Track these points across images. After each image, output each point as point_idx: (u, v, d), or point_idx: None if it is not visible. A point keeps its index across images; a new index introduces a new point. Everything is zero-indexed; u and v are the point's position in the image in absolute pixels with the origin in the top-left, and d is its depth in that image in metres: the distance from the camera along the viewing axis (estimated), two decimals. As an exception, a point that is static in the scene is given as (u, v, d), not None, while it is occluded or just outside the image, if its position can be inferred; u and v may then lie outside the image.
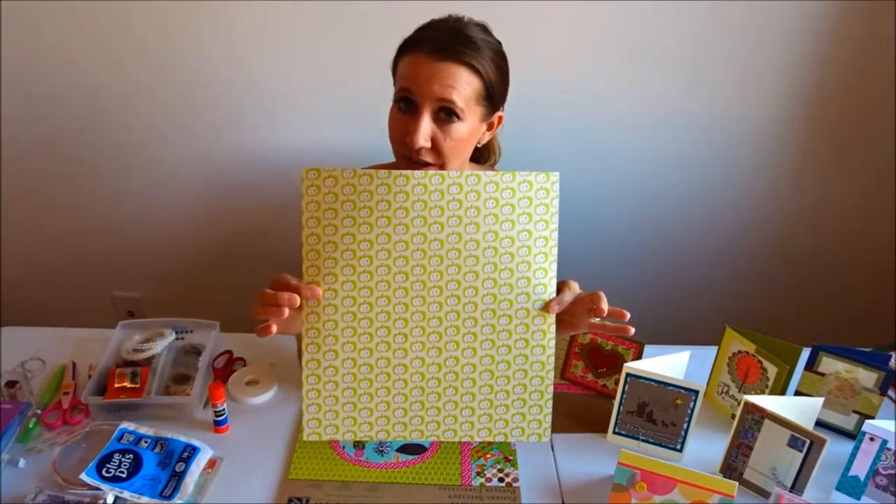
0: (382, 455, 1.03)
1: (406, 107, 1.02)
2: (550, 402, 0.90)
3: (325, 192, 0.82)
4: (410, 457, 1.03)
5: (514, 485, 1.01)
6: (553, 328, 0.85)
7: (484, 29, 1.07)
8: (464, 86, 1.00)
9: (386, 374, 0.85)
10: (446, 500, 0.97)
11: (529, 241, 0.83)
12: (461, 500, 0.97)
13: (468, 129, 1.03)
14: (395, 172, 0.85)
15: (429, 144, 1.01)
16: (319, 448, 1.04)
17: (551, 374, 0.88)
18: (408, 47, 1.03)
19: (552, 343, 0.87)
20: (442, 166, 1.04)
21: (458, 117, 1.01)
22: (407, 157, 1.03)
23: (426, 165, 1.03)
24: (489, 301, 0.84)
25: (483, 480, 1.01)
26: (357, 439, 0.91)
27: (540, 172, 0.80)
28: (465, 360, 0.86)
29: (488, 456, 1.05)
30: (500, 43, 1.09)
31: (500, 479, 1.02)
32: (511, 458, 1.06)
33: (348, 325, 0.84)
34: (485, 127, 1.11)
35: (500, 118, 1.13)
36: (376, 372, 0.85)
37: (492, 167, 1.28)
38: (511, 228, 0.83)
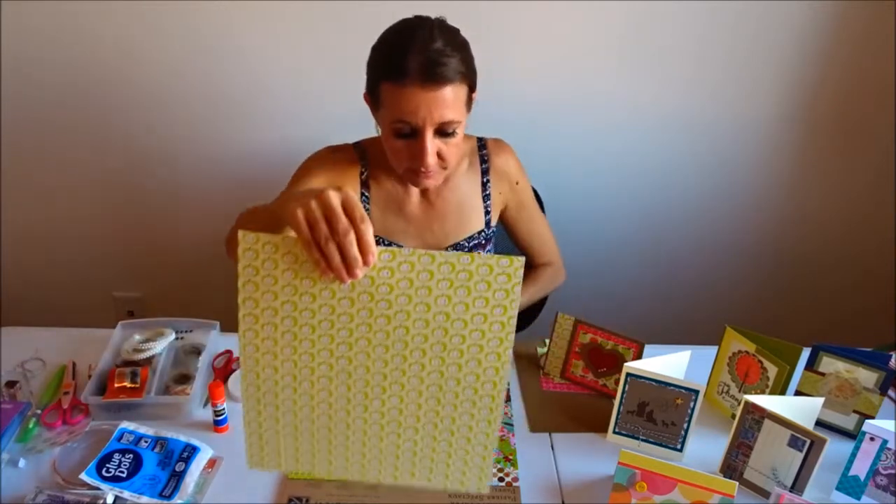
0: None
1: (405, 134, 1.06)
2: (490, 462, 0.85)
3: (265, 258, 0.74)
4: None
5: (515, 484, 1.01)
6: (499, 413, 0.81)
7: (445, 27, 1.07)
8: (456, 100, 1.05)
9: (328, 417, 0.83)
10: (446, 499, 0.97)
11: (484, 324, 0.77)
12: (461, 499, 0.98)
13: (463, 130, 1.10)
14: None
15: (436, 160, 1.08)
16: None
17: (490, 461, 0.83)
18: (391, 78, 1.03)
19: (496, 432, 0.83)
20: (446, 169, 1.12)
21: (455, 132, 1.07)
22: (413, 171, 1.10)
23: (433, 173, 1.10)
24: (435, 378, 0.79)
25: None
26: (299, 473, 0.87)
27: (503, 256, 0.73)
28: (406, 438, 0.82)
29: None
30: (458, 31, 1.09)
31: (500, 479, 1.02)
32: (511, 457, 1.06)
33: (287, 386, 0.79)
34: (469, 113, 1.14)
35: (474, 96, 1.13)
36: (318, 413, 0.83)
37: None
38: (465, 311, 0.76)
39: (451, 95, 1.03)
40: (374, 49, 1.09)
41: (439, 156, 1.09)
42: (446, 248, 1.28)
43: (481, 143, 1.29)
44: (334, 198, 0.69)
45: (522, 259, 0.73)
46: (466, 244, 1.29)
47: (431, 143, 1.06)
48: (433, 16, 1.08)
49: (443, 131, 1.06)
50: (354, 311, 0.76)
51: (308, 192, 0.71)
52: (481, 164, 1.27)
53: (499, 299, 0.76)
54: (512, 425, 1.13)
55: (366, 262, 0.69)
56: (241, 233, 0.73)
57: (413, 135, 1.06)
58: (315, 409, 0.81)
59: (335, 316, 0.77)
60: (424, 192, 1.26)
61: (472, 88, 1.10)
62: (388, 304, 0.76)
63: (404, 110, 1.03)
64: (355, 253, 0.68)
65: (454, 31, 1.08)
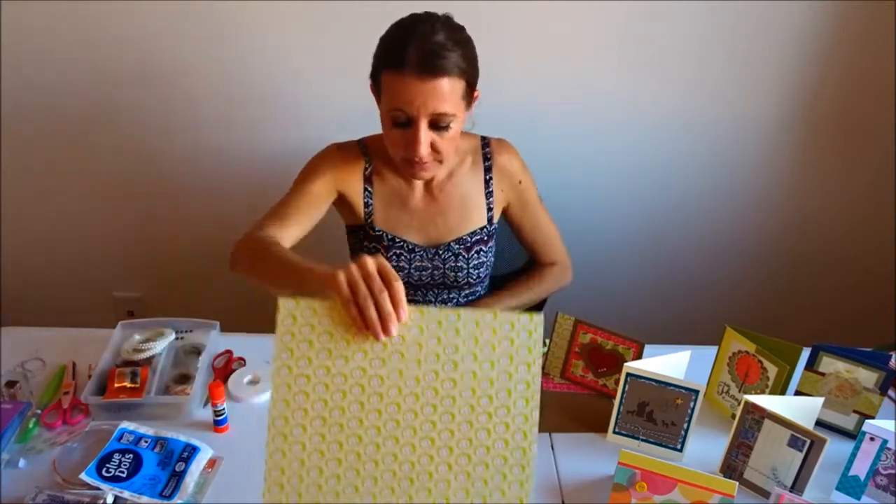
0: None
1: (402, 123, 1.09)
2: None
3: (302, 322, 0.78)
4: None
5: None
6: (531, 483, 0.81)
7: (449, 23, 1.10)
8: (452, 93, 1.07)
9: (354, 484, 0.82)
10: None
11: (510, 383, 0.78)
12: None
13: (459, 125, 1.13)
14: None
15: (429, 151, 1.11)
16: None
17: None
18: (391, 64, 1.07)
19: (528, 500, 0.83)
20: (441, 162, 1.15)
21: (449, 125, 1.10)
22: (408, 160, 1.13)
23: (427, 164, 1.13)
24: (465, 446, 0.79)
25: None
26: None
27: (524, 313, 0.76)
28: None
29: None
30: (463, 28, 1.12)
31: None
32: None
33: (315, 465, 0.79)
34: (468, 110, 1.17)
35: (477, 95, 1.17)
36: (344, 476, 0.82)
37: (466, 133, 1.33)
38: (491, 369, 0.78)
39: (447, 88, 1.06)
40: (381, 39, 1.12)
41: (433, 148, 1.11)
42: (448, 243, 1.29)
43: (485, 142, 1.31)
44: (371, 263, 0.77)
45: (542, 315, 0.75)
46: (469, 239, 1.30)
47: (425, 134, 1.09)
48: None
49: (437, 123, 1.09)
50: (385, 373, 0.78)
51: (345, 264, 0.79)
52: (484, 162, 1.30)
53: (522, 356, 0.78)
54: None
55: (399, 318, 0.75)
56: (280, 300, 0.76)
57: (408, 124, 1.09)
58: (342, 475, 0.81)
59: (366, 379, 0.78)
60: (428, 187, 1.28)
61: (471, 85, 1.12)
62: (417, 364, 0.78)
63: (400, 99, 1.06)
64: (389, 308, 0.74)
65: (458, 28, 1.10)
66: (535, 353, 0.77)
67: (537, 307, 1.62)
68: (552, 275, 1.40)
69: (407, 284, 1.29)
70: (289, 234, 1.19)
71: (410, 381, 0.78)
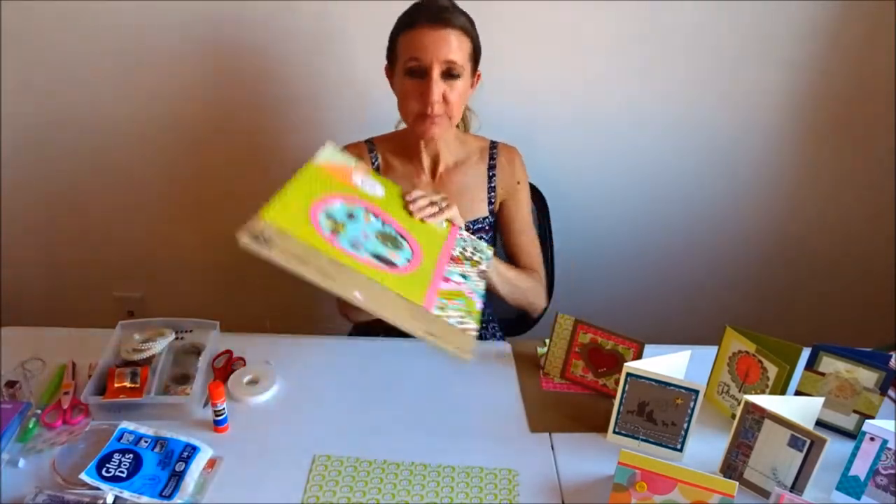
0: (357, 249, 0.97)
1: (416, 74, 1.19)
2: None
3: (329, 479, 0.99)
4: (382, 264, 0.98)
5: (471, 333, 0.98)
6: None
7: (454, 3, 1.25)
8: (461, 47, 1.20)
9: None
10: (403, 310, 0.95)
11: None
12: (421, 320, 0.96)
13: (465, 85, 1.24)
14: (389, 464, 1.03)
15: (441, 100, 1.20)
16: (300, 210, 0.98)
17: None
18: (405, 27, 1.21)
19: None
20: (450, 118, 1.24)
21: (460, 74, 1.20)
22: (421, 115, 1.22)
23: (438, 117, 1.21)
24: None
25: (442, 313, 0.97)
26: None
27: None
28: None
29: (455, 301, 1.02)
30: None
31: (459, 322, 0.99)
32: (474, 313, 1.03)
33: None
34: (473, 82, 1.29)
35: (479, 75, 1.30)
36: None
37: (467, 131, 1.47)
38: None
39: (455, 41, 1.19)
40: (396, 21, 1.24)
41: (444, 99, 1.20)
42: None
43: (493, 145, 1.41)
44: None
45: None
46: (471, 227, 1.37)
47: (438, 84, 1.19)
48: None
49: (449, 72, 1.19)
50: None
51: None
52: (489, 160, 1.39)
53: None
54: (484, 294, 1.11)
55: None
56: (315, 455, 0.95)
57: (422, 75, 1.19)
58: None
59: None
60: (435, 173, 1.36)
61: (476, 53, 1.25)
62: None
63: (415, 48, 1.18)
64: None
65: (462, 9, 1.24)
66: None
67: (526, 325, 1.62)
68: (535, 279, 1.38)
69: None
70: None
71: None
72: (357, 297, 0.93)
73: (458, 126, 1.39)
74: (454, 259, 1.12)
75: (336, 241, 0.96)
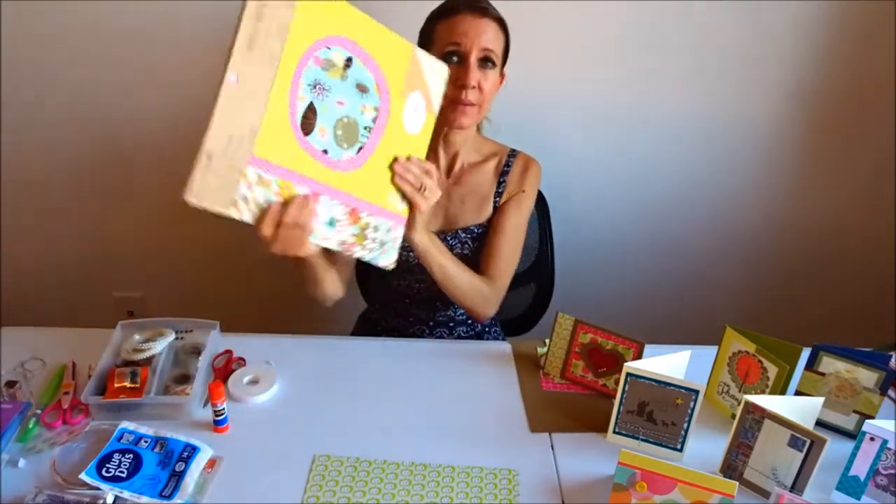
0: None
1: (452, 59, 1.20)
2: None
3: (329, 479, 0.99)
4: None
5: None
6: None
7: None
8: (498, 39, 1.24)
9: None
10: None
11: None
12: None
13: (497, 78, 1.27)
14: (388, 463, 1.03)
15: (476, 89, 1.22)
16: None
17: None
18: (444, 15, 1.23)
19: None
20: (481, 106, 1.25)
21: (494, 64, 1.24)
22: (453, 101, 1.21)
23: (470, 106, 1.22)
24: None
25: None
26: None
27: None
28: None
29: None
30: None
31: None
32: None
33: None
34: (501, 79, 1.31)
35: (504, 76, 1.31)
36: None
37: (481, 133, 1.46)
38: None
39: (493, 32, 1.22)
40: (431, 12, 1.27)
41: (478, 85, 1.22)
42: (456, 230, 1.36)
43: (513, 152, 1.41)
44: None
45: None
46: (475, 230, 1.37)
47: (475, 70, 1.21)
48: None
49: (485, 59, 1.22)
50: None
51: None
52: (504, 167, 1.39)
53: None
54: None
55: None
56: (315, 455, 0.96)
57: (460, 61, 1.21)
58: None
59: None
60: (451, 171, 1.36)
61: (506, 54, 1.28)
62: None
63: (456, 33, 1.20)
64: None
65: None
66: None
67: (537, 310, 1.62)
68: (480, 282, 1.32)
69: (409, 271, 1.35)
70: None
71: None
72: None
73: (477, 128, 1.39)
74: (356, 236, 1.04)
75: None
